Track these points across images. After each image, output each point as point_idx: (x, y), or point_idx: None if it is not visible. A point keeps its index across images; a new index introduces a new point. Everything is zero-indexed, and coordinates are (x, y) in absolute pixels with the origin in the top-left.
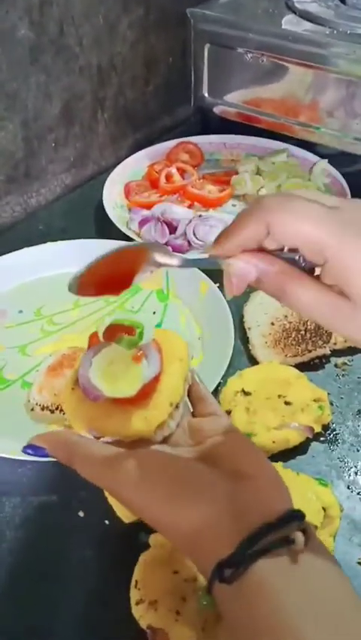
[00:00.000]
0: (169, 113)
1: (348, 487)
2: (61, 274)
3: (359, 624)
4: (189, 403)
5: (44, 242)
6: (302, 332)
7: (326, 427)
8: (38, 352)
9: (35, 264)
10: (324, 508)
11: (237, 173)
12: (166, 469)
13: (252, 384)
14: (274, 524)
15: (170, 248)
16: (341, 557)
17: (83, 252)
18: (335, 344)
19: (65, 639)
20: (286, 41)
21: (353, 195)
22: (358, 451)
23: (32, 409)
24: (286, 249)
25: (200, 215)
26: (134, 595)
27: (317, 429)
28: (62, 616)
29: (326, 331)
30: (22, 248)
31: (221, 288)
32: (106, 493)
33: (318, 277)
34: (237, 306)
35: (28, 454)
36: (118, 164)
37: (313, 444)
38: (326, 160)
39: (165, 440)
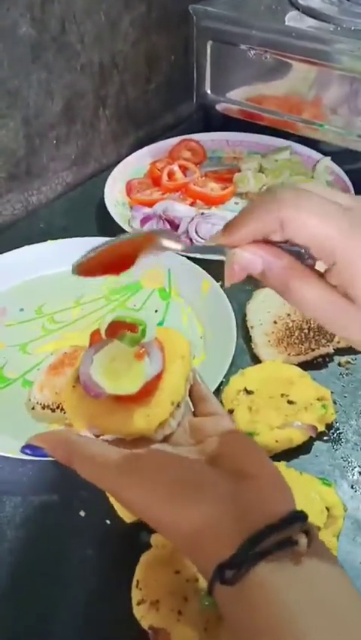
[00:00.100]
0: (171, 111)
1: (352, 487)
2: (62, 272)
3: (360, 627)
4: (190, 403)
5: (45, 240)
6: (305, 330)
7: (329, 426)
8: (39, 350)
9: (36, 262)
10: (328, 508)
11: (239, 170)
12: (167, 468)
13: (254, 383)
14: (276, 525)
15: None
16: (344, 557)
17: (84, 250)
18: (338, 342)
19: (66, 639)
20: (289, 38)
21: (357, 192)
22: None
23: (33, 408)
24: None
25: (202, 213)
26: (135, 595)
27: (321, 428)
28: (62, 616)
29: None
30: (23, 246)
31: (222, 285)
32: (107, 493)
33: (323, 275)
34: (239, 305)
35: (27, 454)
36: (120, 161)
37: (317, 443)
38: (330, 157)
39: (165, 439)
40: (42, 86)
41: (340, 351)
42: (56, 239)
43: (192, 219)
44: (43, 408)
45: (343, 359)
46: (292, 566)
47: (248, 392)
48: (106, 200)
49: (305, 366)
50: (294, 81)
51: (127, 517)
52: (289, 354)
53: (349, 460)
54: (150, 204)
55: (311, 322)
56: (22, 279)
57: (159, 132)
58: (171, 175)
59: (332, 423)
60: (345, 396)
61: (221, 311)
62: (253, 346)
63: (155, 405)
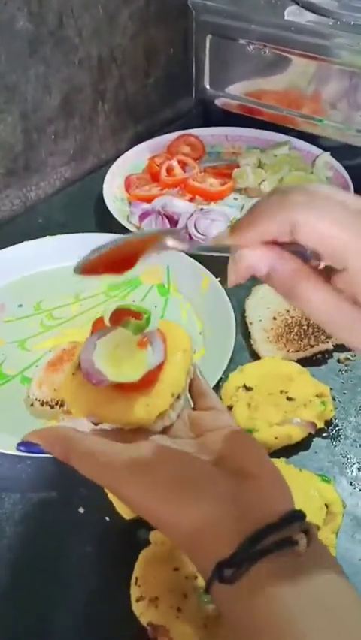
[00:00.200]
0: (170, 105)
1: (351, 484)
2: (61, 268)
3: (359, 627)
4: (189, 398)
5: (44, 235)
6: (305, 327)
7: (328, 423)
8: (38, 347)
9: (35, 258)
10: (327, 505)
11: (238, 166)
12: (167, 464)
13: (254, 379)
14: (276, 524)
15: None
16: (343, 554)
17: (83, 246)
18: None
19: (65, 636)
20: (288, 32)
21: (356, 188)
22: None
23: (32, 405)
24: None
25: (201, 209)
26: (134, 592)
27: (320, 425)
28: (61, 613)
29: None
30: (22, 242)
31: (222, 282)
32: (106, 489)
33: (328, 278)
34: (238, 301)
35: (22, 450)
36: (118, 156)
37: (316, 440)
38: (329, 153)
39: (164, 431)
40: (40, 80)
41: (339, 348)
42: (54, 234)
43: (191, 215)
44: (42, 404)
45: (342, 355)
46: (292, 566)
47: (247, 388)
48: (105, 195)
49: (304, 362)
50: (293, 76)
51: (126, 513)
52: (288, 351)
53: (348, 456)
54: (149, 200)
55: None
56: (20, 274)
57: (158, 127)
58: (169, 170)
59: (331, 419)
60: (344, 393)
61: (220, 307)
62: (252, 342)
63: (155, 395)
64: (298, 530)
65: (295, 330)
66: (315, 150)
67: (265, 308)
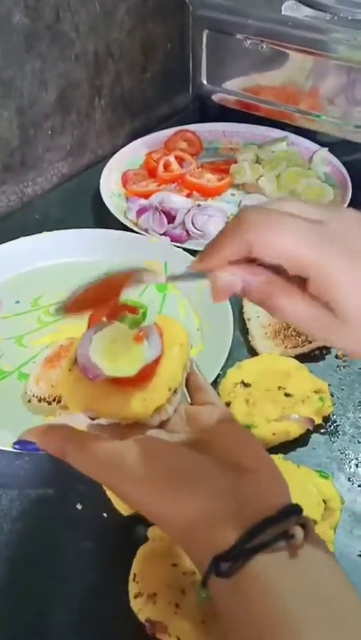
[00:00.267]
0: (167, 101)
1: (349, 480)
2: (58, 264)
3: (356, 618)
4: (186, 393)
5: (41, 231)
6: None
7: (326, 419)
8: (35, 343)
9: (32, 254)
10: (325, 501)
11: (236, 161)
12: (164, 459)
13: (251, 375)
14: (274, 518)
15: (168, 238)
16: (341, 550)
17: (80, 242)
18: None
19: (63, 633)
20: (286, 27)
21: (354, 184)
22: (359, 442)
23: (29, 401)
24: None
25: (199, 205)
26: (132, 588)
27: (318, 420)
28: (59, 609)
29: None
30: (19, 237)
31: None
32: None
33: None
34: (236, 297)
35: (17, 449)
36: (115, 152)
37: (314, 436)
38: (327, 148)
39: (161, 425)
40: (36, 75)
41: None
42: (51, 230)
43: (189, 211)
44: (40, 401)
45: (340, 351)
46: (288, 559)
47: (245, 385)
48: (102, 191)
49: (302, 358)
50: (291, 71)
51: (124, 509)
52: (286, 347)
53: (346, 452)
54: (146, 196)
55: None
56: (17, 271)
57: (155, 123)
58: (167, 166)
59: (329, 415)
60: (342, 389)
61: (218, 303)
62: (249, 339)
63: (152, 389)
64: (295, 524)
65: (293, 326)
66: (313, 146)
67: None
